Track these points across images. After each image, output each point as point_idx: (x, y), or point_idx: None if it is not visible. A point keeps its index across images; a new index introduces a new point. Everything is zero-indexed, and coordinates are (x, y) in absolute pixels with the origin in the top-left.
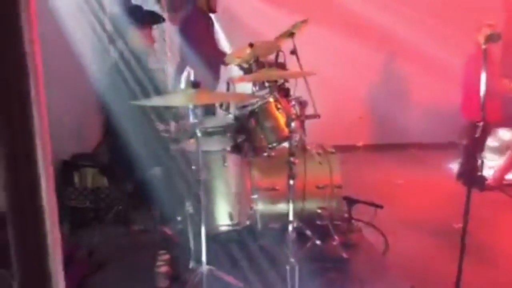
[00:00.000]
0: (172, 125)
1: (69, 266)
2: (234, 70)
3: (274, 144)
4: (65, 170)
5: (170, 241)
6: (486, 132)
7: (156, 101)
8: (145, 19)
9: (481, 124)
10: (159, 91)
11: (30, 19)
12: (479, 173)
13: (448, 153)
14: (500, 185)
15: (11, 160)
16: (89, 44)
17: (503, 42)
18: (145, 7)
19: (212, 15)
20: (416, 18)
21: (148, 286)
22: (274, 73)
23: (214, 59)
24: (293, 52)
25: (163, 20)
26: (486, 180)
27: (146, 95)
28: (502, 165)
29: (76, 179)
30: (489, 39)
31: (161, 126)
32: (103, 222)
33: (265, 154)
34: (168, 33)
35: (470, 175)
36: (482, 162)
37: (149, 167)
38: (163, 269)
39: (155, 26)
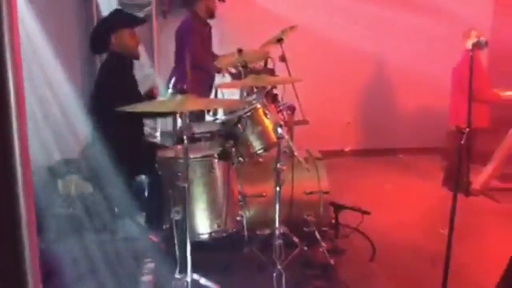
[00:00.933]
0: (158, 130)
1: (52, 274)
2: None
3: (262, 151)
4: (49, 177)
5: (156, 249)
6: (472, 138)
7: (144, 107)
8: (128, 20)
9: (466, 130)
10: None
11: (11, 23)
12: (465, 179)
13: (435, 158)
14: (485, 190)
15: None
16: (76, 47)
17: (489, 51)
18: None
19: (209, 21)
20: (404, 25)
21: None
22: (262, 79)
23: (211, 66)
24: (282, 58)
25: (145, 21)
26: (471, 185)
27: (134, 99)
28: (487, 171)
29: (60, 186)
30: (476, 45)
31: (147, 131)
32: (88, 229)
33: (253, 160)
34: (157, 38)
35: (456, 181)
36: (468, 168)
37: (135, 174)
38: (148, 277)
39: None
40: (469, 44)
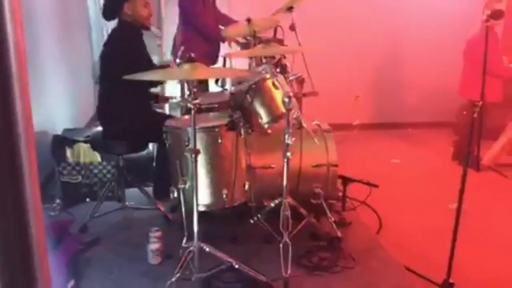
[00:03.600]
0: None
1: (61, 241)
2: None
3: (270, 122)
4: (57, 145)
5: (163, 218)
6: (485, 112)
7: (152, 76)
8: None
9: (479, 103)
10: (154, 64)
11: None
12: (476, 154)
13: (444, 132)
14: (495, 165)
15: None
16: (85, 14)
17: (505, 21)
18: None
19: None
20: None
21: (140, 263)
22: (272, 49)
23: (213, 34)
24: (292, 27)
25: None
26: (482, 160)
27: (142, 69)
28: (497, 146)
29: (69, 154)
30: (492, 16)
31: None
32: (96, 198)
33: (261, 131)
34: (165, 6)
35: (466, 156)
36: (479, 143)
37: (143, 143)
38: (155, 246)
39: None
40: (486, 14)
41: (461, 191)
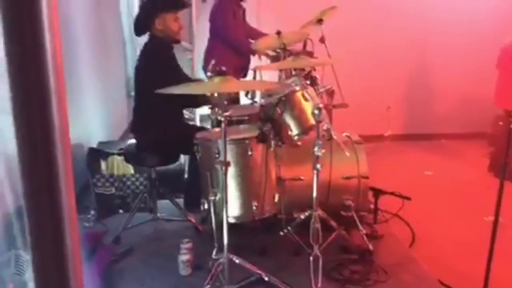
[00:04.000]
0: (197, 113)
1: (95, 252)
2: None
3: (300, 134)
4: (92, 157)
5: (194, 230)
6: None
7: (183, 89)
8: (173, 4)
9: None
10: (186, 78)
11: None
12: None
13: (479, 143)
14: None
15: (27, 158)
16: (119, 30)
17: None
18: None
19: (243, 3)
20: (447, 6)
21: (171, 274)
22: (301, 61)
23: (245, 46)
24: (322, 40)
25: (189, 5)
26: None
27: (175, 82)
28: None
29: (103, 166)
30: None
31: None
32: (129, 209)
33: (291, 143)
34: (196, 21)
35: (503, 167)
36: None
37: (174, 156)
38: (186, 257)
39: (181, 14)
40: None
41: (498, 203)
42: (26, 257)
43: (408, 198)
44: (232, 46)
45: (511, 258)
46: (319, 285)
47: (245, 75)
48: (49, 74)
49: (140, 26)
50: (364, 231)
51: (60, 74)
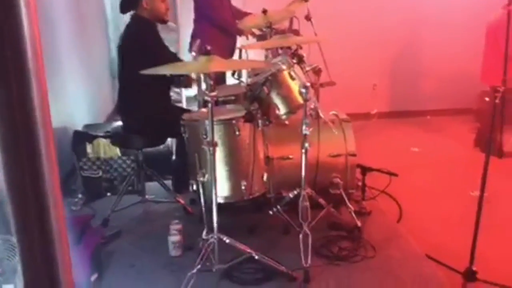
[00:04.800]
0: (183, 95)
1: (83, 235)
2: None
3: (288, 113)
4: (78, 141)
5: (183, 211)
6: (507, 98)
7: (168, 69)
8: None
9: (501, 89)
10: (175, 57)
11: None
12: (498, 140)
13: (465, 119)
14: None
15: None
16: (101, 10)
17: None
18: None
19: None
20: None
21: (161, 255)
22: (288, 40)
23: (230, 27)
24: (308, 18)
25: None
26: (504, 147)
27: (161, 62)
28: None
29: (89, 149)
30: None
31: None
32: (116, 192)
33: (279, 122)
34: (181, 1)
35: (489, 142)
36: (502, 129)
37: (162, 137)
38: (176, 238)
39: None
40: None
41: (484, 178)
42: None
43: (395, 175)
44: (218, 26)
45: (496, 232)
46: (309, 262)
47: (231, 55)
48: (27, 55)
49: (127, 3)
50: (352, 208)
51: (38, 54)
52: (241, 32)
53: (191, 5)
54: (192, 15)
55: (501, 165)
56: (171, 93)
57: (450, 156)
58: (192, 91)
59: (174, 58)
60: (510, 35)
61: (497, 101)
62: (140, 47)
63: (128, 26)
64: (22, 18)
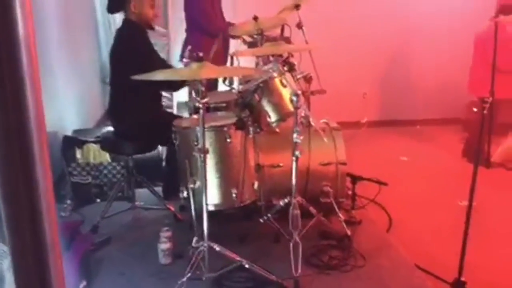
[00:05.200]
0: (174, 101)
1: (72, 241)
2: (238, 45)
3: (278, 121)
4: (67, 146)
5: (173, 218)
6: (495, 109)
7: (160, 75)
8: None
9: (489, 100)
10: (162, 63)
11: None
12: (485, 150)
13: (454, 129)
14: (506, 162)
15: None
16: (92, 14)
17: None
18: None
19: None
20: None
21: (151, 263)
22: (279, 47)
23: (223, 30)
24: (299, 26)
25: None
26: (492, 157)
27: (151, 68)
28: (508, 143)
29: (79, 154)
30: (502, 11)
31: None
32: (106, 198)
33: (269, 130)
34: (171, 6)
35: (477, 152)
36: (489, 139)
37: (152, 143)
38: (166, 246)
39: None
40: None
41: (472, 188)
42: (3, 247)
43: (384, 184)
44: (211, 34)
45: (484, 242)
46: (299, 271)
47: (225, 61)
48: (21, 56)
49: (114, 3)
50: (343, 217)
51: (33, 55)
52: (235, 36)
53: (182, 13)
54: (183, 20)
55: (489, 175)
56: (163, 98)
57: (438, 165)
58: (183, 97)
59: (163, 64)
60: (497, 46)
61: (485, 111)
62: (131, 51)
63: (119, 30)
64: (17, 19)
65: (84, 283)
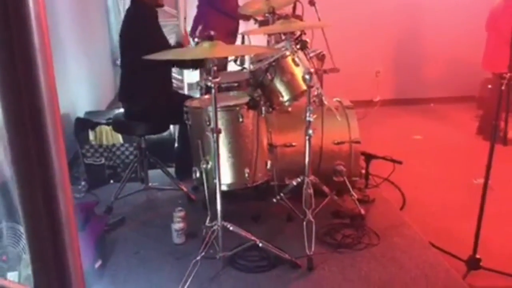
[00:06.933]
0: (185, 82)
1: (88, 222)
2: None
3: (291, 100)
4: (80, 128)
5: (186, 198)
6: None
7: (172, 54)
8: None
9: (508, 75)
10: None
11: None
12: (502, 127)
13: (467, 107)
14: None
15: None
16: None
17: None
18: None
19: None
20: None
21: (164, 242)
22: (291, 25)
23: (233, 12)
24: (312, 3)
25: None
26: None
27: (160, 48)
28: None
29: (91, 136)
30: None
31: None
32: (120, 179)
33: (282, 109)
34: None
35: (493, 129)
36: (506, 116)
37: (164, 124)
38: (180, 225)
39: None
40: None
41: (488, 166)
42: (20, 228)
43: (399, 162)
44: (222, 11)
45: (500, 220)
46: (313, 249)
47: (234, 40)
48: (33, 37)
49: None
50: (356, 196)
51: (45, 37)
52: (245, 17)
53: None
54: (193, 2)
55: (506, 153)
56: (173, 80)
57: (452, 144)
58: (194, 77)
59: (165, 44)
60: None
61: (503, 87)
62: (140, 31)
63: (128, 11)
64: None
65: (99, 262)
